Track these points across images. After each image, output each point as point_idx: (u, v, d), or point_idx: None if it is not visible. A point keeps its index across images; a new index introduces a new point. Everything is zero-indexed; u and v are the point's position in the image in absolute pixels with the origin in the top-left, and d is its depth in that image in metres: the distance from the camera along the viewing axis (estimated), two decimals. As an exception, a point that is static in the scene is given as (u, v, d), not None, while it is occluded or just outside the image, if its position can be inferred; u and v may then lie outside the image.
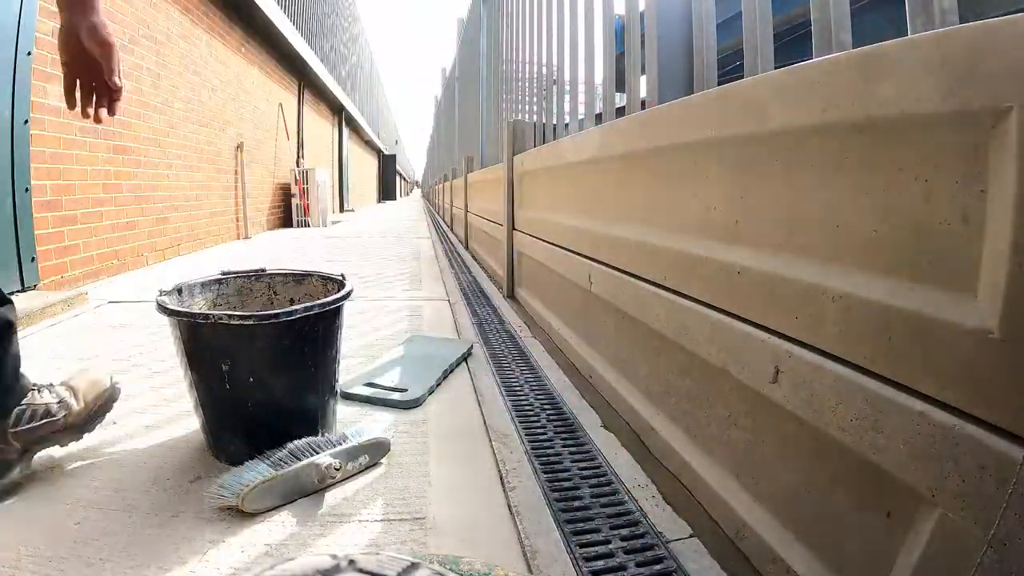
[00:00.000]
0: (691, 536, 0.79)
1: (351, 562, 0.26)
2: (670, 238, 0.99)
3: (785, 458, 0.69)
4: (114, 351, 1.58)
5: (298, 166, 7.13)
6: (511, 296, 2.48)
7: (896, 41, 0.54)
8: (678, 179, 0.98)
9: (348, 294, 1.01)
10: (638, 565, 0.71)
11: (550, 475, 0.93)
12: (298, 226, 6.55)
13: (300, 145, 7.37)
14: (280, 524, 0.78)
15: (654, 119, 1.07)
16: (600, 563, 0.72)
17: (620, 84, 1.44)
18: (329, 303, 0.95)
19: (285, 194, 6.61)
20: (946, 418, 0.47)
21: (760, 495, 0.74)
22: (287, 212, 6.64)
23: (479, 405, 1.23)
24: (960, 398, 0.46)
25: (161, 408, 1.16)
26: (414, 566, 0.27)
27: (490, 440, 1.06)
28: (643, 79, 1.27)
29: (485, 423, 1.13)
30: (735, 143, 0.81)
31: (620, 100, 1.46)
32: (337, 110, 10.54)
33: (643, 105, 1.24)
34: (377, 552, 0.29)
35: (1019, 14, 0.42)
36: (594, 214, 1.42)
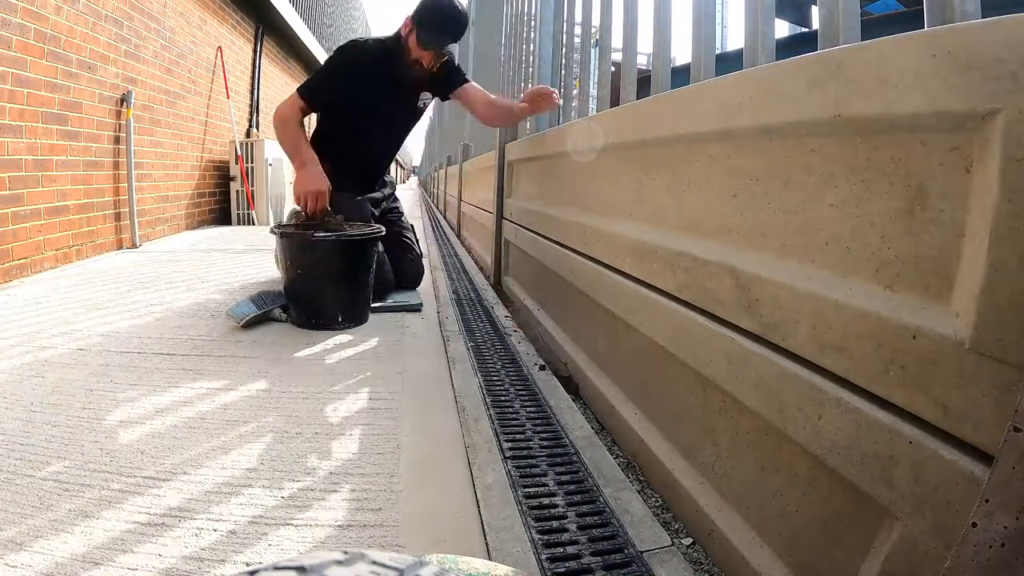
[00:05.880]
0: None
1: (363, 555, 0.28)
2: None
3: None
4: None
5: (248, 137, 5.19)
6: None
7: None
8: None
9: (377, 232, 1.71)
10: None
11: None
12: (238, 223, 4.70)
13: (255, 111, 5.49)
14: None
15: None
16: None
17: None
18: (361, 235, 1.65)
19: (223, 177, 4.71)
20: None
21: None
22: (225, 203, 4.74)
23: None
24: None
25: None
26: (420, 563, 0.29)
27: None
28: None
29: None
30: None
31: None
32: (318, 72, 8.28)
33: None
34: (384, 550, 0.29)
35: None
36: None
